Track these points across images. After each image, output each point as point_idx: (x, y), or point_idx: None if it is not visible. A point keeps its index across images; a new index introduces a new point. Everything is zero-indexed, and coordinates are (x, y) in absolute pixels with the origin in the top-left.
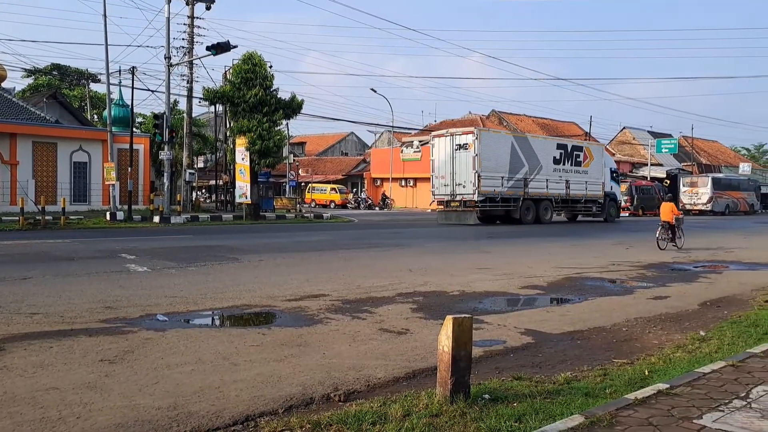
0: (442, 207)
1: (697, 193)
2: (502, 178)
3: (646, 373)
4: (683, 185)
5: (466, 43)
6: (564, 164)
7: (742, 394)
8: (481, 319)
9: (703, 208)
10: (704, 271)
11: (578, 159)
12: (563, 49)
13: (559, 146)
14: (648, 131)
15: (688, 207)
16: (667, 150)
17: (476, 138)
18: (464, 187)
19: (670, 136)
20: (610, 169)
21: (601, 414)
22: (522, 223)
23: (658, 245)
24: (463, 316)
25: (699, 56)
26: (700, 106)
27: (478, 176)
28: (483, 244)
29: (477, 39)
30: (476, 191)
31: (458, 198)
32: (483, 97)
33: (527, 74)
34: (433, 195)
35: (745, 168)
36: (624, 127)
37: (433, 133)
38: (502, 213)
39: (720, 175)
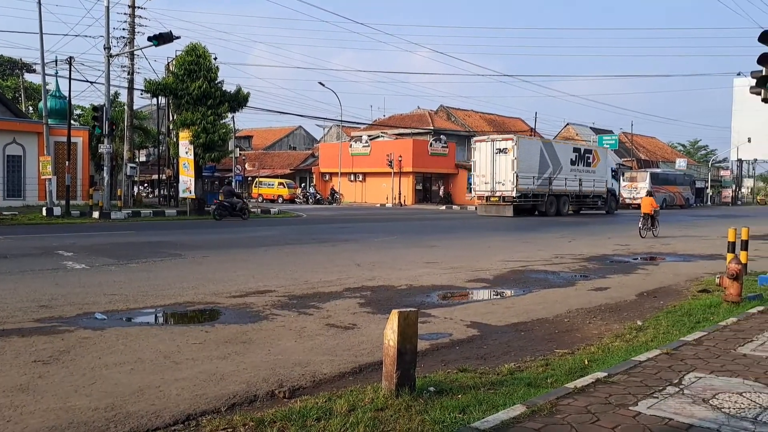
0: (482, 201)
1: (636, 187)
2: (533, 177)
3: (586, 362)
4: (623, 180)
5: (414, 39)
6: (578, 165)
7: (675, 381)
8: (428, 313)
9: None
10: (642, 263)
11: (589, 160)
12: (509, 46)
13: (575, 150)
14: (590, 127)
15: (627, 201)
16: (608, 145)
17: (515, 144)
18: (503, 185)
19: (611, 132)
20: (611, 168)
21: (541, 403)
22: (546, 215)
23: (640, 234)
24: (408, 309)
25: (639, 55)
26: (639, 104)
27: (516, 176)
28: (431, 239)
29: (424, 34)
30: (514, 188)
31: (498, 194)
32: (431, 93)
33: (474, 70)
34: (474, 191)
35: (681, 163)
36: (567, 123)
37: (475, 138)
38: (531, 207)
39: (658, 171)
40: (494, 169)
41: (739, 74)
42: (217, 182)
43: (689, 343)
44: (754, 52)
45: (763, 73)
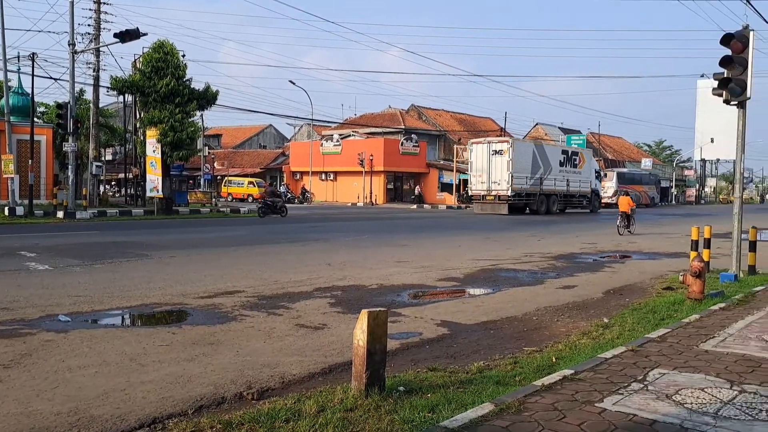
0: (478, 200)
1: (603, 186)
2: (526, 177)
3: (554, 360)
4: None
5: (385, 38)
6: (566, 166)
7: (640, 377)
8: (398, 312)
9: (608, 201)
10: (609, 261)
11: (575, 162)
12: (480, 46)
13: (563, 152)
14: (559, 127)
15: None
16: (576, 145)
17: (511, 146)
18: (499, 184)
19: (579, 132)
20: (595, 169)
21: (509, 401)
22: (537, 213)
23: (618, 231)
24: (378, 309)
25: (607, 56)
26: (608, 104)
27: (512, 176)
28: (402, 238)
29: (396, 33)
30: (509, 188)
31: (493, 193)
32: (402, 92)
33: (445, 70)
34: (471, 190)
35: (646, 163)
36: (537, 123)
37: (471, 141)
38: (523, 205)
39: (624, 170)
40: (490, 170)
41: (702, 76)
42: (191, 181)
43: (654, 339)
44: (717, 54)
45: (725, 75)
